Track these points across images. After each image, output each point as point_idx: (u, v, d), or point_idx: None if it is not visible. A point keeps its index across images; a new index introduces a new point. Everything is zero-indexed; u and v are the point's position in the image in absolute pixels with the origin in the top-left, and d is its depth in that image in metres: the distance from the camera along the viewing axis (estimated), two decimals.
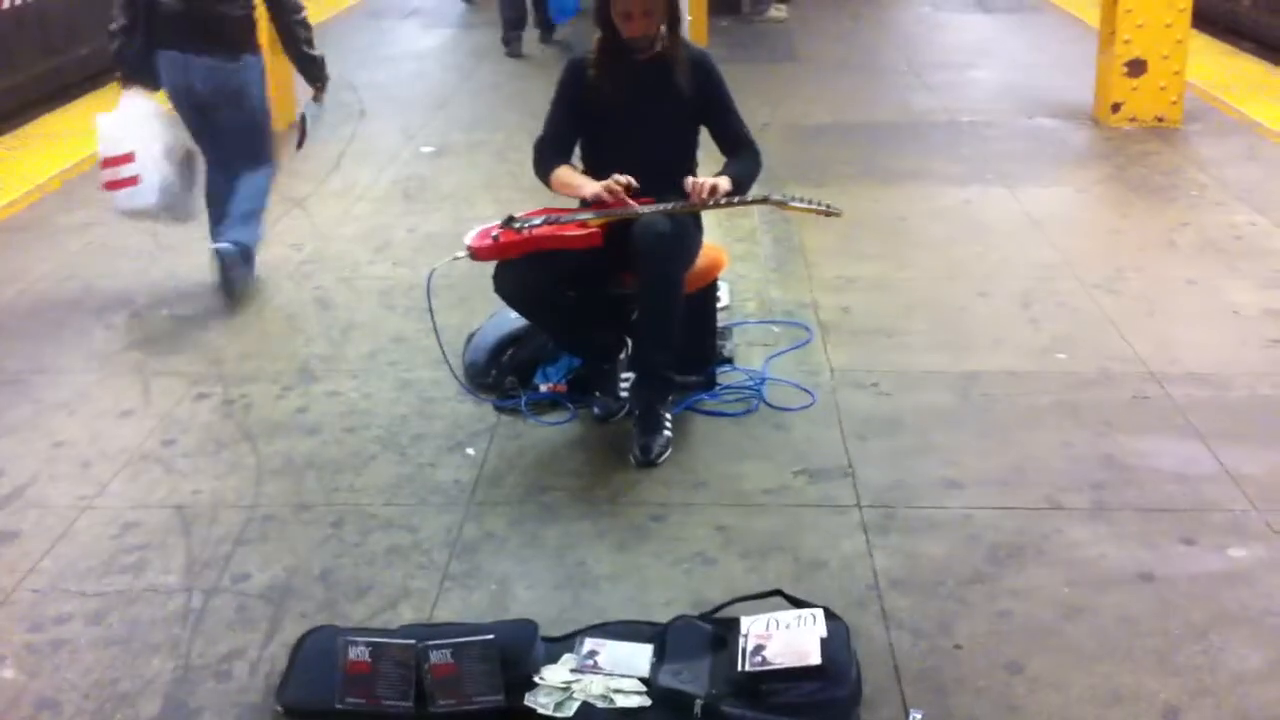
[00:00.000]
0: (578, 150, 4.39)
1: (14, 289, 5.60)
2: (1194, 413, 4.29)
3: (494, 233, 4.14)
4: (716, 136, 4.36)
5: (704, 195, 4.03)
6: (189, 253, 5.99)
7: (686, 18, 4.30)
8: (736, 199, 4.15)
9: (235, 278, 5.29)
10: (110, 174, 5.30)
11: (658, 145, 4.26)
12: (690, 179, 4.09)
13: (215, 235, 5.38)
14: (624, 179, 4.05)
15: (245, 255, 5.37)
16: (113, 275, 5.73)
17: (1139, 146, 7.52)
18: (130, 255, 5.98)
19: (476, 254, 4.15)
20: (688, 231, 4.19)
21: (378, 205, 6.72)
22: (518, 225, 4.14)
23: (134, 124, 5.27)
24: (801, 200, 4.17)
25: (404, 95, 9.20)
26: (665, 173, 4.18)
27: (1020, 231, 6.14)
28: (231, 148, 5.41)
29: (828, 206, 4.14)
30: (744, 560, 3.53)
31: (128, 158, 5.23)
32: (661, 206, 4.05)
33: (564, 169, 4.27)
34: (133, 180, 5.25)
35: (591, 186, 4.11)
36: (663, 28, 4.17)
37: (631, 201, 4.05)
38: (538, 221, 4.14)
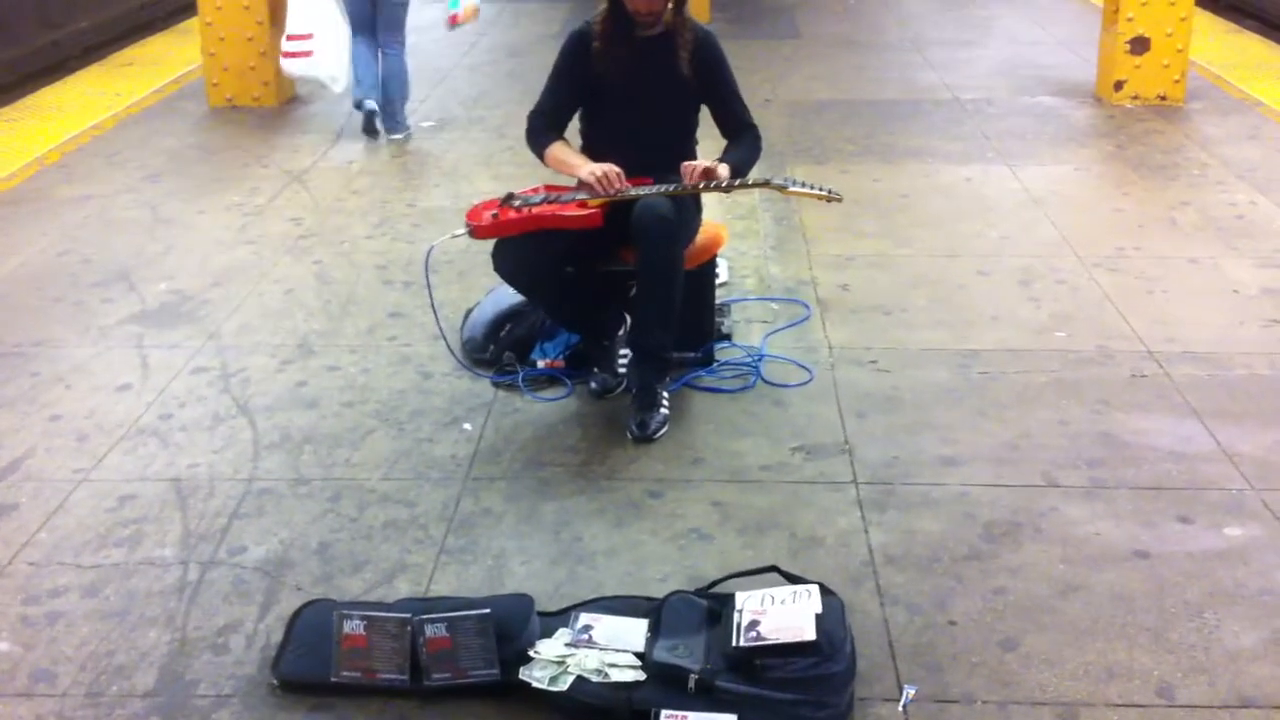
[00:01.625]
0: (575, 123, 4.37)
1: (12, 262, 5.59)
2: (1192, 392, 4.29)
3: (493, 210, 4.13)
4: (717, 118, 4.33)
5: (696, 178, 4.01)
6: (186, 226, 6.00)
7: None
8: (738, 182, 4.12)
9: (378, 128, 7.38)
10: (292, 45, 7.27)
11: (658, 122, 4.24)
12: (685, 163, 4.05)
13: (365, 101, 7.32)
14: (614, 171, 4.02)
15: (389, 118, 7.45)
16: (110, 249, 5.72)
17: (1141, 125, 7.50)
18: (128, 229, 5.97)
19: (475, 231, 4.14)
20: (687, 212, 4.17)
21: (377, 180, 6.71)
22: (517, 203, 4.12)
23: (315, 12, 7.27)
24: (803, 184, 4.14)
25: None
26: (665, 150, 4.16)
27: (1021, 209, 6.12)
28: (388, 29, 7.33)
29: (829, 191, 4.10)
30: (740, 536, 3.53)
31: (308, 35, 7.24)
32: (661, 188, 4.02)
33: (560, 145, 4.24)
34: (308, 53, 7.26)
35: (586, 169, 4.07)
36: (670, 4, 4.13)
37: (628, 184, 4.02)
38: (537, 199, 4.12)
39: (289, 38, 7.28)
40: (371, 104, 7.30)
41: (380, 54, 7.35)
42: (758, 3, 11.55)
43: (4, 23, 9.23)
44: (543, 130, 4.27)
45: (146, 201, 6.35)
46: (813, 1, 11.60)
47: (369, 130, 7.33)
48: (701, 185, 4.02)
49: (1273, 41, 9.52)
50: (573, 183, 4.27)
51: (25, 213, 6.22)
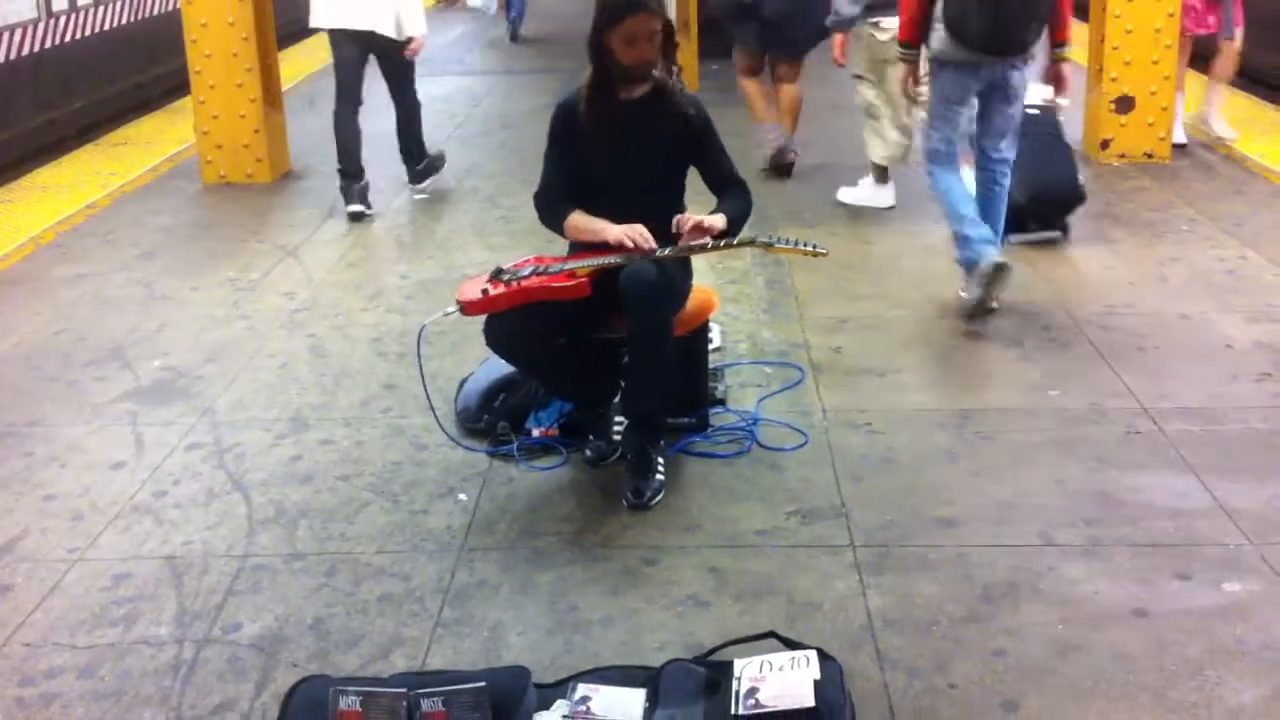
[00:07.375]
0: None
1: (7, 342, 5.60)
2: (1187, 448, 4.29)
3: (483, 286, 4.14)
4: (706, 176, 4.37)
5: (688, 228, 4.04)
6: (180, 303, 6.01)
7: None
8: (724, 242, 4.16)
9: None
10: None
11: (647, 184, 4.26)
12: (678, 216, 4.10)
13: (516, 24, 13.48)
14: (639, 229, 4.05)
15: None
16: (105, 327, 5.73)
17: (1128, 182, 7.55)
18: (122, 307, 5.99)
19: (466, 309, 4.15)
20: (676, 277, 4.19)
21: (370, 253, 6.74)
22: (506, 277, 4.14)
23: None
24: (788, 241, 4.17)
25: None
26: (654, 213, 4.19)
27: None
28: None
29: (814, 247, 4.14)
30: (737, 602, 3.51)
31: None
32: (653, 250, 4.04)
33: (578, 214, 4.25)
34: None
35: (613, 231, 4.10)
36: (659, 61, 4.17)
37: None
38: (526, 272, 4.14)
39: None
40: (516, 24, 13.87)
41: None
42: None
43: (1, 103, 9.32)
44: (557, 203, 4.30)
45: (141, 279, 6.38)
46: (803, 69, 11.68)
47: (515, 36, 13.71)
48: (694, 242, 4.05)
49: (1257, 98, 9.61)
50: (563, 251, 4.30)
51: (20, 292, 6.25)
